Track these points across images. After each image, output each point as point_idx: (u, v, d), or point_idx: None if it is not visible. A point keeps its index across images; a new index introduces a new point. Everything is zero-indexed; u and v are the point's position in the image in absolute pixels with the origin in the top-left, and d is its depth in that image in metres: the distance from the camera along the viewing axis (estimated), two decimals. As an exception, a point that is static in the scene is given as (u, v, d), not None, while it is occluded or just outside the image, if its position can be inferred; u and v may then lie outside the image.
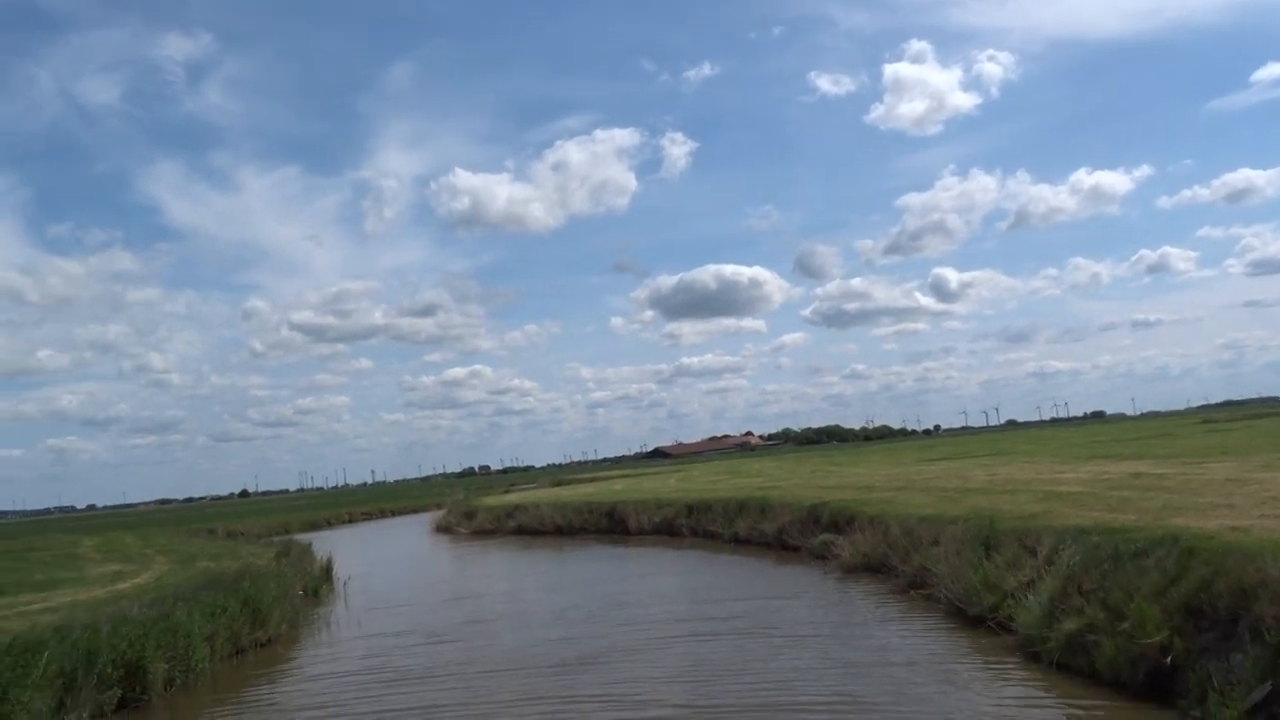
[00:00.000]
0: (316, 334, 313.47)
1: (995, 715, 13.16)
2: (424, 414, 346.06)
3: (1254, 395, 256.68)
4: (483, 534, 58.00)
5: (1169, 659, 12.94)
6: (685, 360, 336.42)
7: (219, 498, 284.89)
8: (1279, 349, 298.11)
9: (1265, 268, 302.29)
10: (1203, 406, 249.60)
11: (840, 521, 31.07)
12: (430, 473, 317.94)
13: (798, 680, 16.62)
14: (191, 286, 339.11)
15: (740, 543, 37.79)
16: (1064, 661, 14.83)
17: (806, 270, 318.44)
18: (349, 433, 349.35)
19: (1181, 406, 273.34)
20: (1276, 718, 10.57)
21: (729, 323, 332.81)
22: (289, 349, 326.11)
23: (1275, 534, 14.53)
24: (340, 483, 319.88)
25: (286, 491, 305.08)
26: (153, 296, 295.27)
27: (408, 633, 24.88)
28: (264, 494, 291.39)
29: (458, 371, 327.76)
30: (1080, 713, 12.98)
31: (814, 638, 19.87)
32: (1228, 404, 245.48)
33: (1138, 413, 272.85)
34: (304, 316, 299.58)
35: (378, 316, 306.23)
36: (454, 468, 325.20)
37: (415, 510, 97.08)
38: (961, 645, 17.52)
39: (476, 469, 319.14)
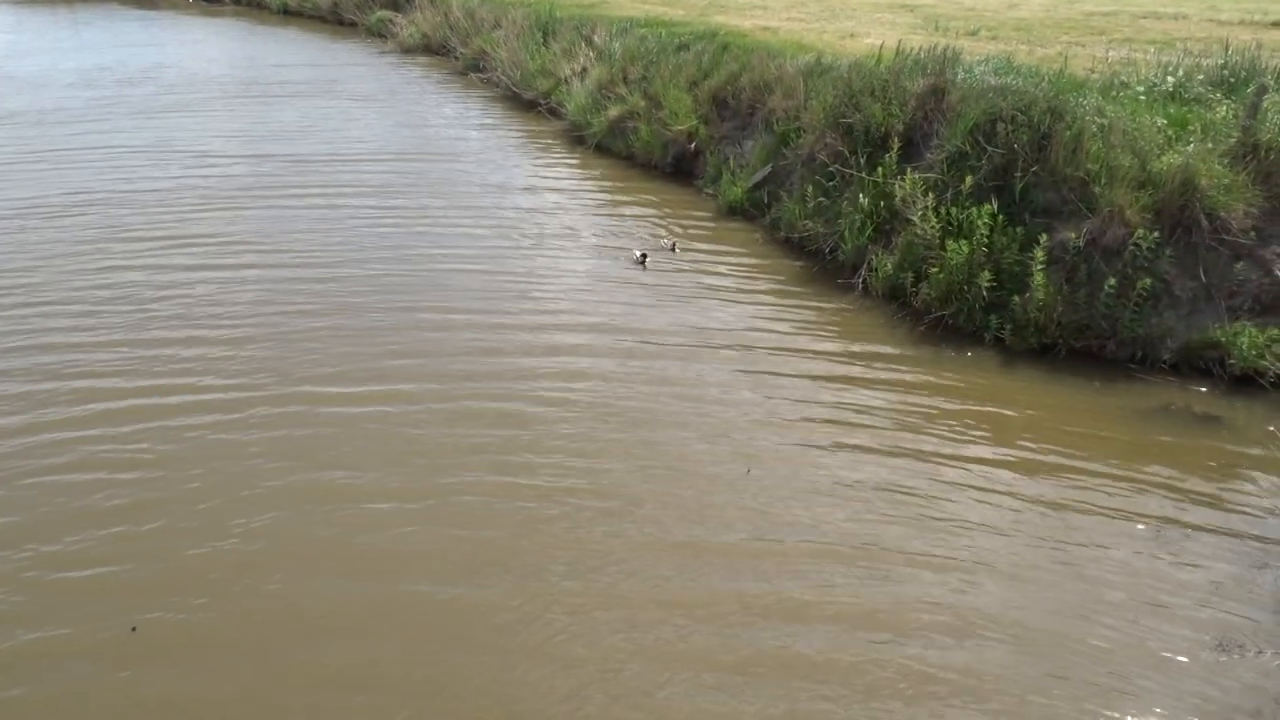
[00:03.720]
0: None
1: (546, 182, 14.25)
2: None
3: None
4: (-34, -15, 48.22)
5: (694, 145, 14.46)
6: None
7: None
8: None
9: None
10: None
11: (401, -2, 29.62)
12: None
13: (368, 137, 17.24)
14: None
15: (290, 15, 35.06)
16: (605, 145, 16.06)
17: None
18: None
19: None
20: (770, 194, 12.45)
21: None
22: None
23: (797, 35, 16.06)
24: None
25: None
26: None
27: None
28: None
29: None
30: (615, 184, 14.39)
31: (379, 104, 20.11)
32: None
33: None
34: None
35: None
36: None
37: None
38: (516, 125, 18.29)
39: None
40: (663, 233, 12.31)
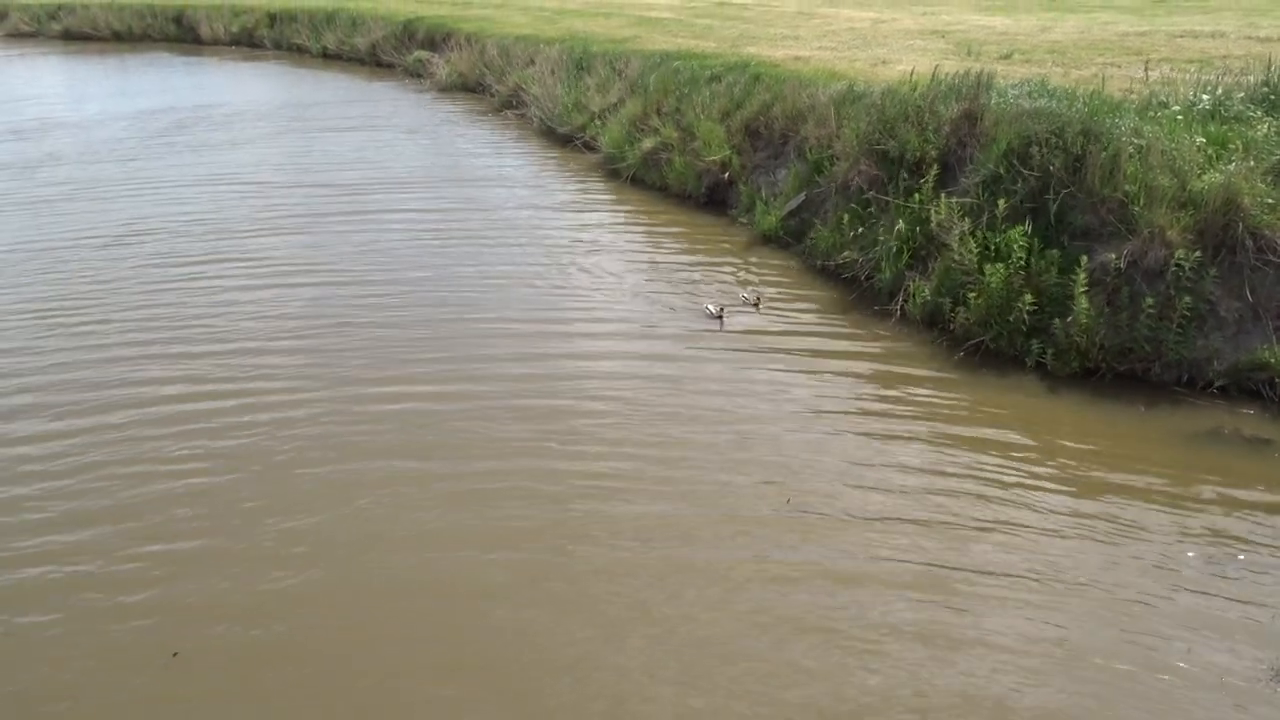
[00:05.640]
0: None
1: (582, 212, 14.35)
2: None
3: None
4: (19, 38, 49.75)
5: (727, 175, 14.50)
6: None
7: None
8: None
9: None
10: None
11: (437, 38, 30.07)
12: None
13: (408, 169, 17.79)
14: None
15: (329, 58, 35.66)
16: (639, 177, 16.13)
17: None
18: None
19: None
20: (804, 221, 12.43)
21: None
22: None
23: (829, 64, 16.08)
24: None
25: None
26: None
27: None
28: None
29: None
30: (650, 213, 14.45)
31: (417, 138, 20.59)
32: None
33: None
34: None
35: None
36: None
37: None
38: (552, 158, 18.49)
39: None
40: (733, 281, 11.64)
